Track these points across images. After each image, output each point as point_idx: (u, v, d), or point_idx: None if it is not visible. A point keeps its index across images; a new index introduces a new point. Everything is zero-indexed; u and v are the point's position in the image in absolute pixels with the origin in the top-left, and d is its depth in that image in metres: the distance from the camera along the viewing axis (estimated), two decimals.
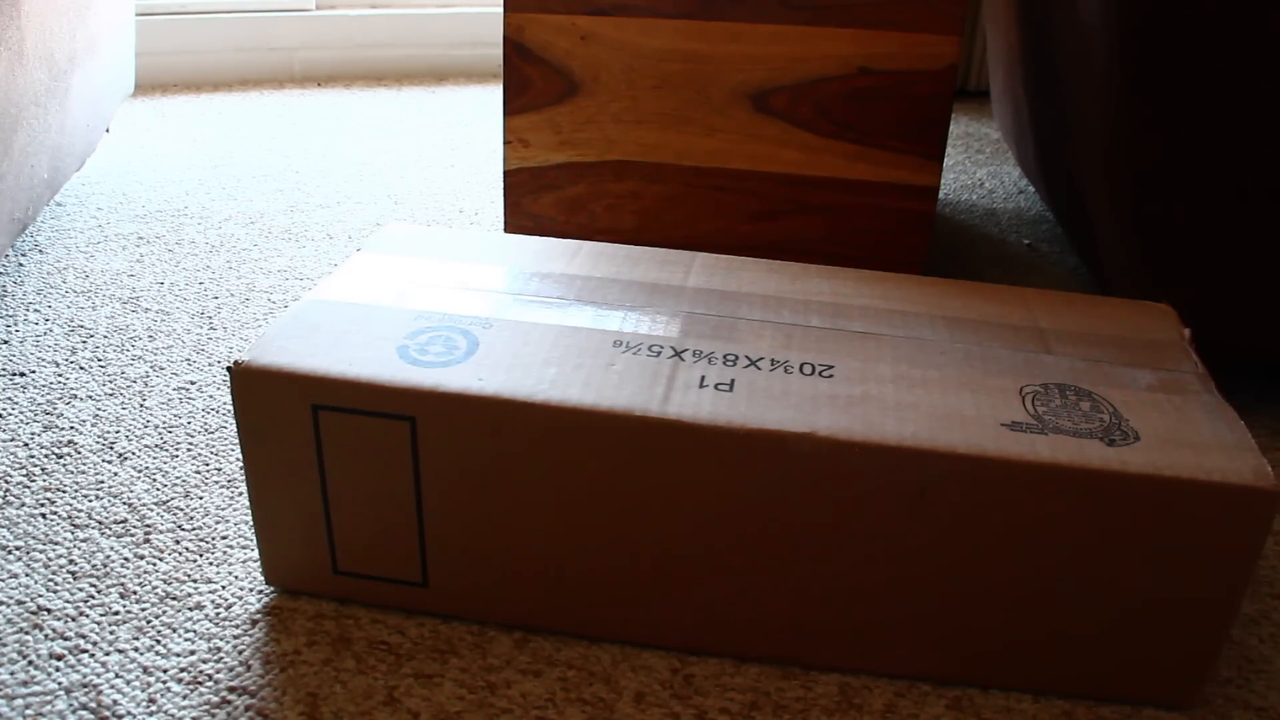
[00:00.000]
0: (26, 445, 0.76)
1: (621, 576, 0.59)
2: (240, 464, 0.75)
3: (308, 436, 0.57)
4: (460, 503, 0.58)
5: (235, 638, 0.60)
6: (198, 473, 0.74)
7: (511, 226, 1.00)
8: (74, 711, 0.55)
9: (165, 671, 0.58)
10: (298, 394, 0.56)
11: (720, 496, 0.55)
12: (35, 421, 0.78)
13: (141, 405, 0.81)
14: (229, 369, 0.56)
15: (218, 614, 0.62)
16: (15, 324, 0.92)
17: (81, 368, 0.86)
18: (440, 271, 0.67)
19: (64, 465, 0.74)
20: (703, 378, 0.57)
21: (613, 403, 0.54)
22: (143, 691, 0.56)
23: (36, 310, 0.94)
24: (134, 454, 0.76)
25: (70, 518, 0.69)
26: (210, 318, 0.95)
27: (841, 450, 0.53)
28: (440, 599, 0.61)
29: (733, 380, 0.57)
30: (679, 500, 0.56)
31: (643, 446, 0.55)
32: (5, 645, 0.58)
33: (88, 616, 0.61)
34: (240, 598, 0.63)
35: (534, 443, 0.55)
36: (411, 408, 0.55)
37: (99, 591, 0.63)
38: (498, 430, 0.55)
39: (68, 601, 0.62)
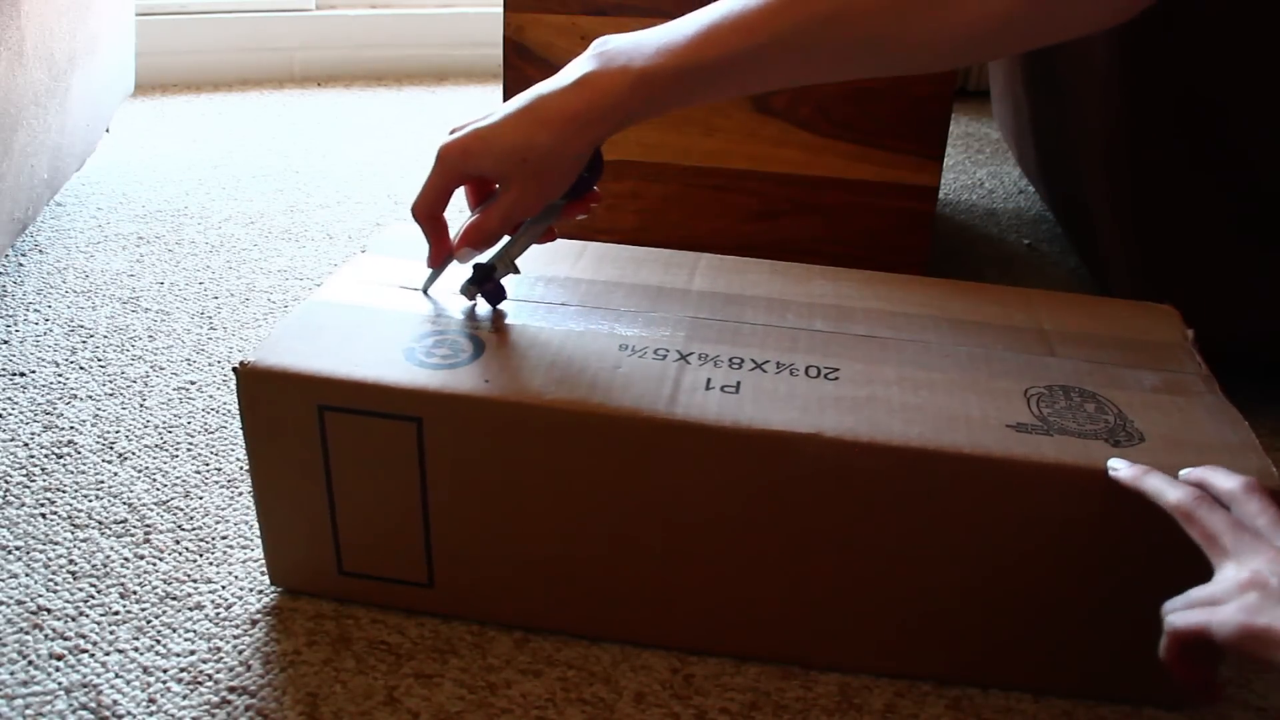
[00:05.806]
0: (26, 445, 0.76)
1: (626, 576, 0.59)
2: (240, 464, 0.75)
3: (313, 437, 0.57)
4: (466, 504, 0.58)
5: (235, 638, 0.60)
6: (198, 473, 0.74)
7: None
8: (74, 711, 0.55)
9: (165, 671, 0.57)
10: (303, 395, 0.56)
11: (726, 497, 0.55)
12: (35, 421, 0.78)
13: (141, 405, 0.81)
14: (235, 369, 0.56)
15: (218, 614, 0.62)
16: (15, 324, 0.92)
17: (81, 368, 0.86)
18: (445, 273, 0.67)
19: (64, 465, 0.74)
20: (708, 380, 0.57)
21: (619, 405, 0.54)
22: (143, 691, 0.56)
23: (36, 310, 0.94)
24: (134, 454, 0.75)
25: (70, 518, 0.69)
26: (210, 318, 0.95)
27: (847, 451, 0.53)
28: (446, 600, 0.61)
29: (738, 382, 0.57)
30: (684, 501, 0.56)
31: (648, 448, 0.55)
32: (5, 645, 0.58)
33: (88, 616, 0.61)
34: (240, 598, 0.63)
35: (540, 444, 0.55)
36: (418, 409, 0.55)
37: (99, 591, 0.63)
38: (504, 432, 0.55)
39: (68, 601, 0.62)
